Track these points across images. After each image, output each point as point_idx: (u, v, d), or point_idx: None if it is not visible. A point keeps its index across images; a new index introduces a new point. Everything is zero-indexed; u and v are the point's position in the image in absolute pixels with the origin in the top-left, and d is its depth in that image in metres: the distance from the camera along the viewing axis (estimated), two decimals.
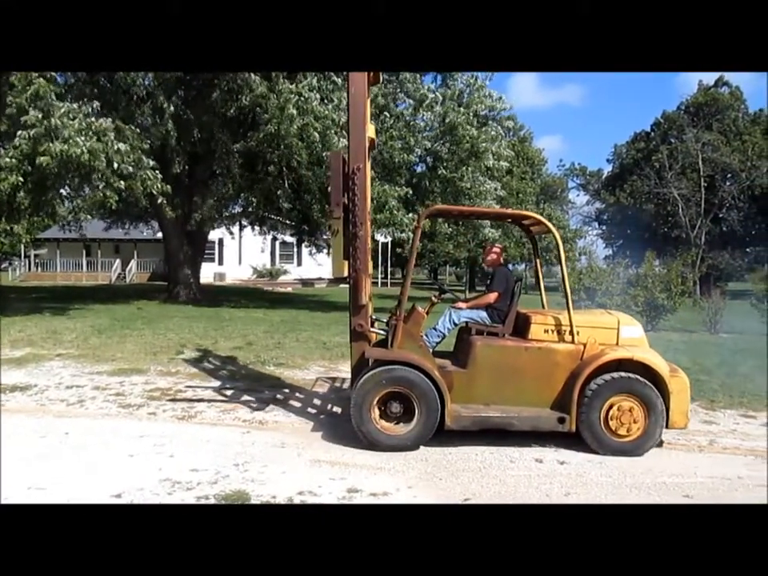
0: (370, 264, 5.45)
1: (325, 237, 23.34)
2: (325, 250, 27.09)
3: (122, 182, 13.05)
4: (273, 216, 21.55)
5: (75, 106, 12.87)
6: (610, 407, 5.17)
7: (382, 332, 5.72)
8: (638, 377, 5.20)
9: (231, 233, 26.62)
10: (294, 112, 14.48)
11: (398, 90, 17.83)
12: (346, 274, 5.49)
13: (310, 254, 26.79)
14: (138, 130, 14.30)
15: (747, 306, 16.75)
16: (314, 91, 15.19)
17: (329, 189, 15.30)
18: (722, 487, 4.56)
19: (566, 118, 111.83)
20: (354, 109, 5.37)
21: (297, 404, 6.79)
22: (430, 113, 17.70)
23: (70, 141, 11.92)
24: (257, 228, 24.78)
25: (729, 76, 44.77)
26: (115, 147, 12.73)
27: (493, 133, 18.73)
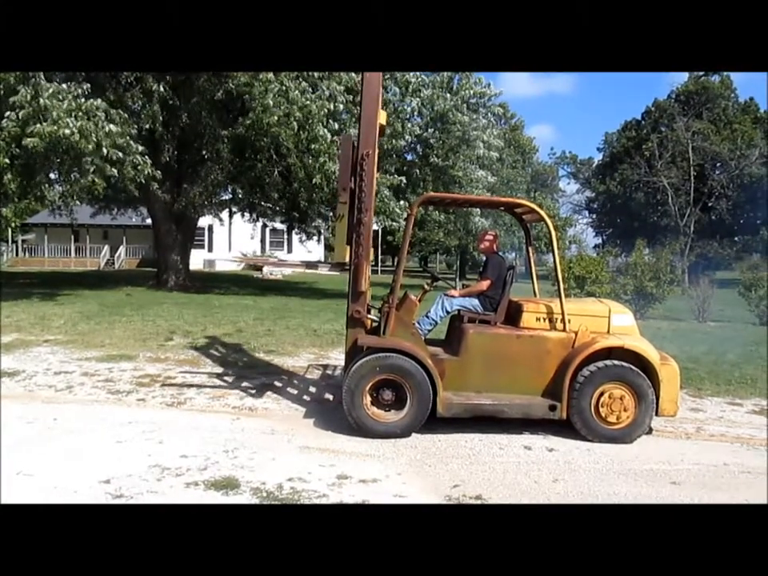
0: (371, 251, 5.42)
1: (314, 224, 23.24)
2: (315, 237, 26.97)
3: (114, 169, 12.94)
4: (262, 203, 21.41)
5: (65, 86, 12.70)
6: (601, 395, 5.19)
7: (377, 319, 5.70)
8: (629, 365, 5.22)
9: (221, 219, 26.43)
10: (270, 102, 14.37)
11: (386, 76, 17.62)
12: (347, 259, 5.46)
13: (300, 241, 26.66)
14: (125, 115, 14.16)
15: (735, 295, 16.86)
16: (296, 80, 15.04)
17: (327, 175, 15.14)
18: (708, 474, 4.61)
19: (557, 107, 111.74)
20: (367, 94, 5.32)
21: (287, 391, 6.77)
22: (417, 98, 17.49)
23: (59, 122, 11.77)
24: (246, 215, 24.63)
25: None
26: (106, 129, 12.57)
27: (484, 121, 18.64)
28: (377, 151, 5.42)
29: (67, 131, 11.79)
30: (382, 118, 5.49)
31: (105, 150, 12.52)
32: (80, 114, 12.29)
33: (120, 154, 12.95)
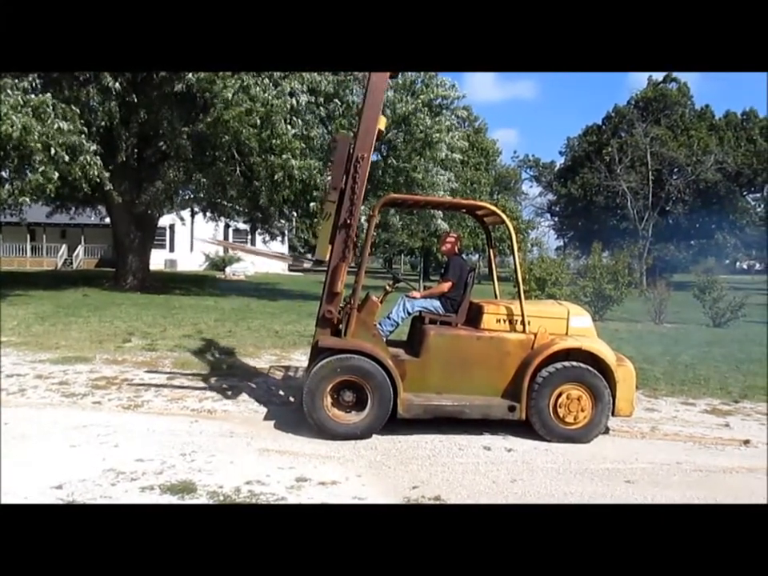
0: (351, 254, 5.40)
1: (277, 224, 23.03)
2: (279, 238, 26.74)
3: (56, 171, 12.58)
4: (224, 202, 21.12)
5: (10, 80, 12.31)
6: (559, 395, 5.26)
7: None
8: (587, 366, 5.31)
9: (182, 219, 26.00)
10: (229, 95, 14.22)
11: (350, 76, 17.49)
12: (328, 257, 5.43)
13: (264, 241, 26.41)
14: (78, 111, 13.80)
15: (690, 297, 17.29)
16: (258, 77, 14.89)
17: (289, 173, 14.91)
18: (661, 473, 4.71)
19: (521, 111, 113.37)
20: (371, 97, 5.30)
21: (247, 393, 6.70)
22: None
23: (4, 118, 11.43)
24: (208, 214, 24.28)
25: (676, 73, 46.00)
26: (55, 126, 12.23)
27: (447, 123, 18.67)
28: (371, 155, 5.41)
29: (10, 128, 11.45)
30: (382, 123, 5.47)
31: (53, 150, 12.18)
32: (27, 110, 11.94)
33: (66, 158, 12.61)
